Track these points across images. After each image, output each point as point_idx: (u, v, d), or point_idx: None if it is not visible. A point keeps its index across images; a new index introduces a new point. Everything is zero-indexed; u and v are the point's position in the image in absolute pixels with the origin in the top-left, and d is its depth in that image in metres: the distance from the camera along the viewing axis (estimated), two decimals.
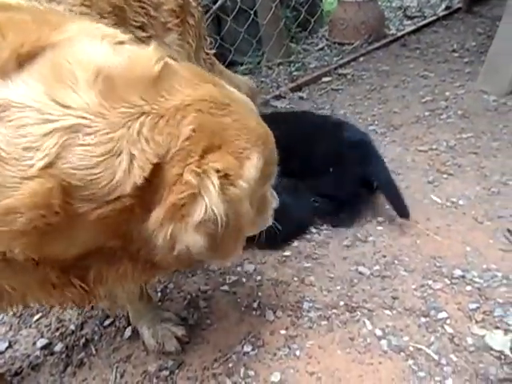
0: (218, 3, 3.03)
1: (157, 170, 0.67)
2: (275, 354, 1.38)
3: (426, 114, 2.61)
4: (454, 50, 3.45)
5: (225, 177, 0.71)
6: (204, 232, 0.70)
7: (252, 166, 0.77)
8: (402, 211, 1.79)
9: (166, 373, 1.35)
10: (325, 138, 1.93)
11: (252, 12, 3.08)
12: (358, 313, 1.48)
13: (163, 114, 0.68)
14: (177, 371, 1.36)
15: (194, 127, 0.70)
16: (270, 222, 1.12)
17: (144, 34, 1.29)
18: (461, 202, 1.91)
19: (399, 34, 3.80)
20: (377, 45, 3.61)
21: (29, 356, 1.45)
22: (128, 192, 0.65)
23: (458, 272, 1.58)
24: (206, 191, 0.69)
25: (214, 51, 1.93)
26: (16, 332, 1.53)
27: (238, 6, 3.05)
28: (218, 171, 0.70)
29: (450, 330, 1.40)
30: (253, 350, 1.39)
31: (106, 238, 0.73)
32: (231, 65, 2.87)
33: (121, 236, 0.73)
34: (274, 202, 1.09)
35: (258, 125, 0.84)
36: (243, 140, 0.78)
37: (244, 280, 1.66)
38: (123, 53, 0.72)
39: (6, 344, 1.48)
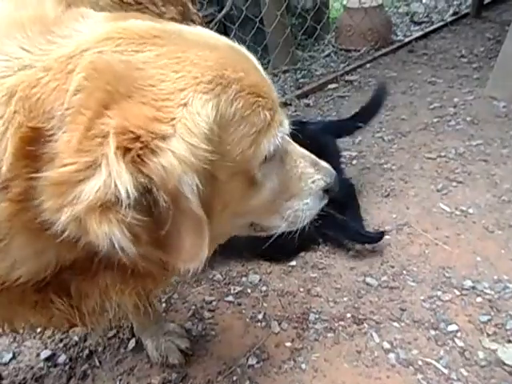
0: (223, 11, 3.04)
1: (38, 138, 0.54)
2: (280, 367, 1.35)
3: (435, 120, 2.58)
4: (462, 56, 3.42)
5: (136, 139, 0.53)
6: (115, 219, 0.53)
7: (189, 119, 0.58)
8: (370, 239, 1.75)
9: None
10: None
11: (257, 20, 3.09)
12: (366, 325, 1.45)
13: (51, 67, 0.56)
14: None
15: (87, 74, 0.55)
16: (281, 226, 0.93)
17: None
18: (471, 211, 1.87)
19: (406, 39, 3.79)
20: (384, 51, 3.60)
21: (32, 368, 1.45)
22: (7, 176, 0.53)
23: (468, 283, 1.54)
24: (104, 162, 0.51)
25: None
26: (20, 343, 1.52)
27: (243, 14, 3.06)
28: (122, 132, 0.52)
29: (460, 343, 1.36)
30: (258, 362, 1.37)
31: (56, 250, 0.63)
32: None
33: (67, 243, 0.58)
34: (300, 194, 0.91)
35: (211, 53, 0.66)
36: (173, 80, 0.59)
37: (249, 291, 1.63)
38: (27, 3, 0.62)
39: (10, 355, 1.47)
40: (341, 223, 1.78)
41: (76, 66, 0.56)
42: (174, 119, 0.57)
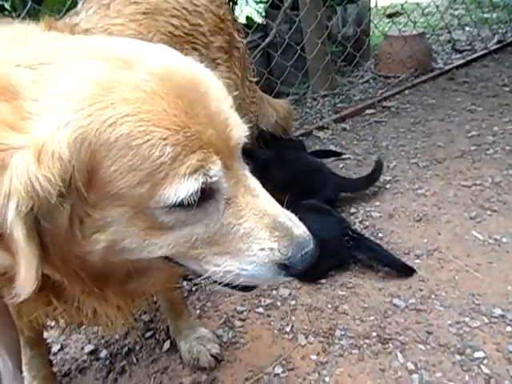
0: (268, 39, 3.21)
1: None
2: (305, 379, 1.41)
3: (472, 148, 2.58)
4: (504, 85, 3.39)
5: None
6: None
7: (42, 138, 0.61)
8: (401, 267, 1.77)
9: None
10: None
11: (299, 47, 3.23)
12: (391, 345, 1.48)
13: None
14: None
15: None
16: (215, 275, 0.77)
17: None
18: (504, 240, 1.87)
19: (447, 67, 3.80)
20: (423, 78, 3.62)
21: (77, 360, 1.58)
22: None
23: (497, 311, 1.54)
24: None
25: (256, 79, 2.13)
26: (67, 336, 1.67)
27: (285, 42, 3.22)
28: None
29: (486, 370, 1.36)
30: (283, 372, 1.44)
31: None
32: (278, 95, 3.00)
33: None
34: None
35: (105, 70, 0.67)
36: (51, 95, 0.64)
37: (279, 304, 1.71)
38: None
39: (59, 346, 1.63)
40: (372, 246, 1.82)
41: None
42: (27, 133, 0.61)
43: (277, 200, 0.80)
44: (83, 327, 1.00)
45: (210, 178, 0.68)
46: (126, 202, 0.67)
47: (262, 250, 0.75)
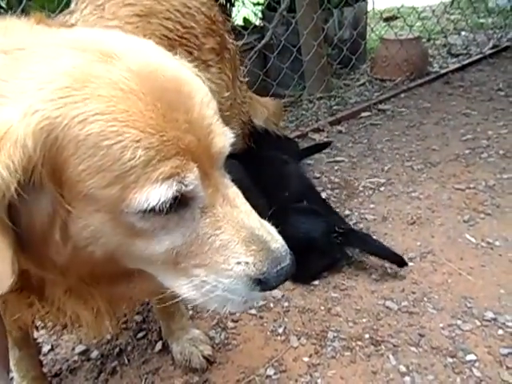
0: (264, 41, 3.22)
1: None
2: (297, 381, 1.40)
3: (466, 152, 2.60)
4: (499, 89, 3.42)
5: None
6: None
7: (14, 124, 0.59)
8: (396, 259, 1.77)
9: None
10: None
11: (295, 49, 3.24)
12: (383, 347, 1.48)
13: None
14: None
15: None
16: (188, 294, 0.76)
17: None
18: (497, 243, 1.87)
19: (442, 71, 3.82)
20: (419, 82, 3.64)
21: (68, 360, 1.57)
22: None
23: (489, 314, 1.55)
24: None
25: (248, 79, 2.16)
26: (58, 337, 1.65)
27: (282, 44, 3.22)
28: None
29: (477, 373, 1.37)
30: (275, 374, 1.43)
31: None
32: (274, 97, 3.00)
33: None
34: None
35: (87, 61, 0.64)
36: (23, 79, 0.62)
37: (271, 305, 1.70)
38: None
39: (49, 347, 1.61)
40: (362, 237, 1.84)
41: None
42: None
43: (258, 206, 0.79)
44: (69, 330, 0.97)
45: (185, 186, 0.66)
46: (100, 205, 0.65)
47: (239, 263, 0.73)
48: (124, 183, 0.62)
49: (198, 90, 0.72)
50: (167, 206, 0.65)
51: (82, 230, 0.67)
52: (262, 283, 0.75)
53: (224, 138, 0.74)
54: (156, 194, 0.63)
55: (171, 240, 0.71)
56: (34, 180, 0.62)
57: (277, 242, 0.77)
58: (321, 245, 1.74)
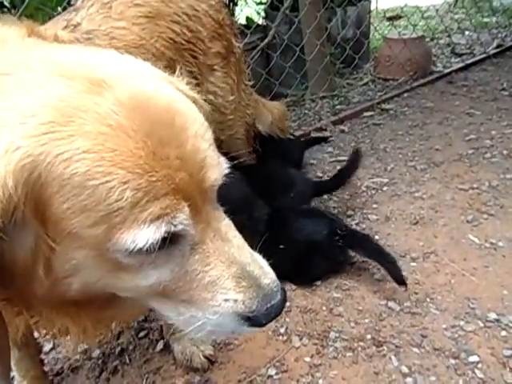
0: (266, 40, 3.21)
1: None
2: (298, 381, 1.40)
3: (470, 152, 2.58)
4: (503, 89, 3.39)
5: None
6: None
7: None
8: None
9: None
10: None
11: (298, 48, 3.23)
12: (385, 348, 1.47)
13: None
14: None
15: None
16: (176, 319, 0.77)
17: (193, 81, 1.34)
18: (500, 244, 1.86)
19: (446, 71, 3.80)
20: (422, 81, 3.63)
21: (69, 359, 1.57)
22: None
23: (492, 315, 1.54)
24: None
25: (253, 82, 2.14)
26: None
27: (285, 43, 3.21)
28: None
29: (480, 374, 1.36)
30: (276, 374, 1.42)
31: None
32: (276, 97, 3.00)
33: None
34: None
35: (73, 92, 0.60)
36: (3, 111, 0.59)
37: None
38: None
39: (51, 345, 1.61)
40: (361, 239, 1.80)
41: None
42: None
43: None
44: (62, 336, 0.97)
45: (175, 226, 0.64)
46: (84, 242, 0.63)
47: (227, 300, 0.72)
48: (110, 223, 0.60)
49: (192, 120, 0.69)
50: (155, 246, 0.63)
51: (64, 263, 0.66)
52: (251, 320, 0.74)
53: (218, 171, 0.72)
54: (144, 235, 0.61)
55: (158, 275, 0.70)
56: (16, 218, 0.59)
57: (268, 277, 0.75)
58: (324, 248, 1.72)
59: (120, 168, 0.59)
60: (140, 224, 0.60)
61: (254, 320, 0.74)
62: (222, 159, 0.74)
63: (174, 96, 0.70)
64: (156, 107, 0.65)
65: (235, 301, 0.72)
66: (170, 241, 0.66)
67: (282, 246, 1.68)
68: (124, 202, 0.59)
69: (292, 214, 1.86)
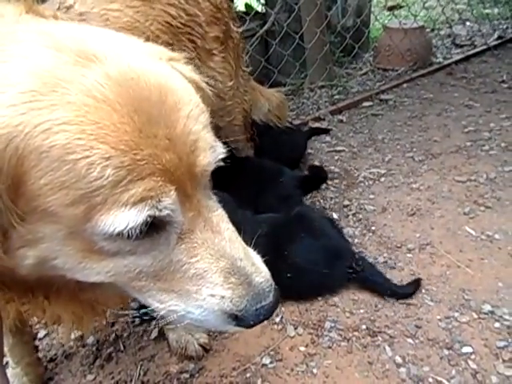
0: (265, 27, 3.16)
1: None
2: (292, 370, 1.40)
3: (468, 144, 2.57)
4: (503, 81, 3.37)
5: None
6: None
7: None
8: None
9: (186, 375, 1.41)
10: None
11: (298, 36, 3.18)
12: (380, 338, 1.48)
13: None
14: (196, 375, 1.42)
15: None
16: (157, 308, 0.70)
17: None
18: (497, 236, 1.86)
19: (446, 62, 3.77)
20: (421, 72, 3.60)
21: (63, 345, 1.57)
22: None
23: (487, 307, 1.54)
24: None
25: (251, 68, 2.12)
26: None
27: (284, 30, 3.17)
28: None
29: (473, 365, 1.37)
30: (271, 362, 1.43)
31: None
32: (275, 85, 2.96)
33: None
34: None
35: (59, 62, 0.57)
36: None
37: None
38: None
39: (45, 332, 1.60)
40: (377, 281, 1.65)
41: None
42: None
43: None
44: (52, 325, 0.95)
45: (160, 210, 0.60)
46: (60, 220, 0.58)
47: (213, 296, 0.67)
48: (89, 203, 0.56)
49: (186, 101, 0.65)
50: (137, 231, 0.59)
51: (27, 233, 0.61)
52: (239, 319, 0.69)
53: (210, 155, 0.67)
54: (124, 218, 0.57)
55: (137, 262, 0.65)
56: None
57: (260, 275, 0.70)
58: (325, 280, 1.62)
59: (102, 143, 0.55)
60: (121, 206, 0.57)
61: (241, 319, 0.69)
62: (218, 144, 0.70)
63: (168, 75, 0.67)
64: (147, 84, 0.61)
65: (222, 297, 0.68)
66: (156, 226, 0.62)
67: (289, 275, 1.55)
68: (105, 181, 0.55)
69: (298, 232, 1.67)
